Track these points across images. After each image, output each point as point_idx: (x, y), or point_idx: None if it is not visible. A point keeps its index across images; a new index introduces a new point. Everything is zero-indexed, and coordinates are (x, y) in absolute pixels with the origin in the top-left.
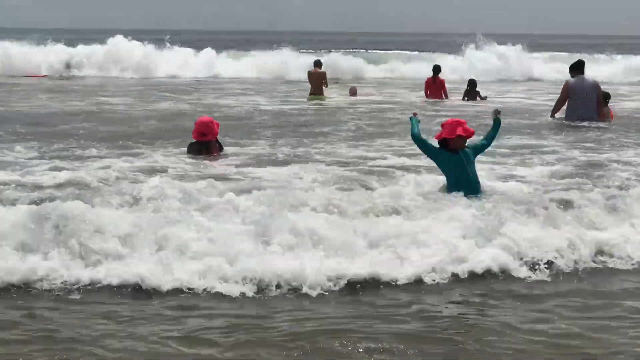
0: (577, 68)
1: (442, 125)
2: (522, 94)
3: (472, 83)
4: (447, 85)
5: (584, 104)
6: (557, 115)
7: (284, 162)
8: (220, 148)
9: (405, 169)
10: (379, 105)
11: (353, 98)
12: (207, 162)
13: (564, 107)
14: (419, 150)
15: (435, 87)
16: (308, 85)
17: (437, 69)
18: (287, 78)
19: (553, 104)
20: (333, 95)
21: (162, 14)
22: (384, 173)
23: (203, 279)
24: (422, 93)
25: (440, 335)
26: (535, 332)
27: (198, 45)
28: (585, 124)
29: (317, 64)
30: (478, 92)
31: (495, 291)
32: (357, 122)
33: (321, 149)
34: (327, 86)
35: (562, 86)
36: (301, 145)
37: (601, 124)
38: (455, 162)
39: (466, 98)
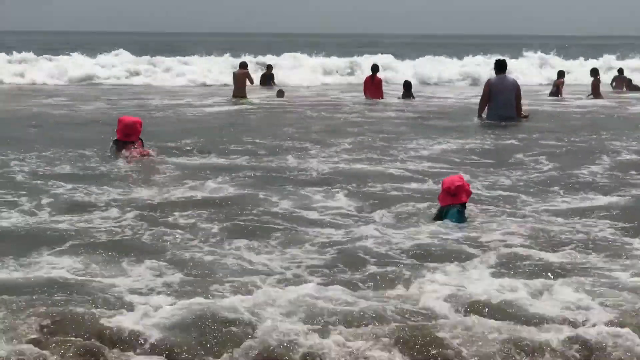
0: (499, 67)
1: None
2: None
3: (406, 85)
4: None
5: (504, 103)
6: (483, 115)
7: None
8: (142, 145)
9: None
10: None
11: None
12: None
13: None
14: None
15: (374, 85)
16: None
17: (375, 69)
18: None
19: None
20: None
21: None
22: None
23: None
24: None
25: None
26: None
27: None
28: (503, 123)
29: (242, 65)
30: (411, 94)
31: None
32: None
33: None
34: (252, 83)
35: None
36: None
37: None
38: None
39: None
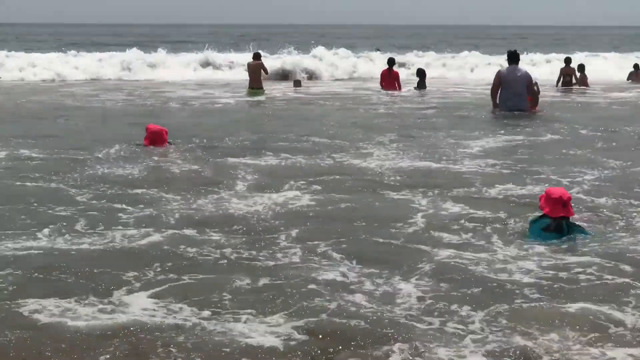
0: (511, 58)
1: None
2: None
3: (420, 73)
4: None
5: (515, 94)
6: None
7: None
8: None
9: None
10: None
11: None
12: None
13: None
14: None
15: (390, 78)
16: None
17: (391, 62)
18: None
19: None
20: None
21: None
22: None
23: None
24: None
25: None
26: None
27: None
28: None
29: (256, 56)
30: (425, 83)
31: None
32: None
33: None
34: (267, 73)
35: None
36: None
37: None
38: None
39: (417, 88)
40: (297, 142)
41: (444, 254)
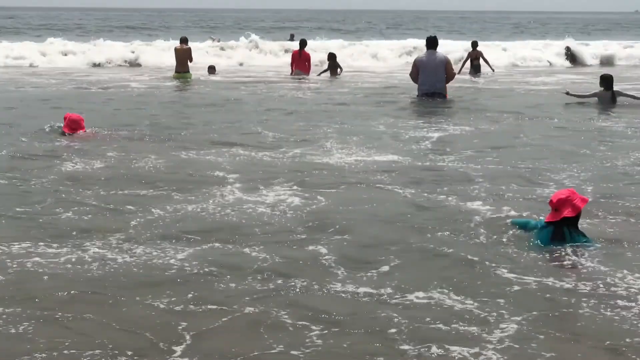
0: (429, 44)
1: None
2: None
3: (331, 56)
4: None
5: (433, 78)
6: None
7: None
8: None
9: None
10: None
11: (213, 76)
12: None
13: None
14: None
15: (300, 60)
16: None
17: (303, 43)
18: None
19: None
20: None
21: None
22: None
23: None
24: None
25: None
26: None
27: None
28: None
29: (183, 40)
30: (338, 65)
31: None
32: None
33: None
34: (191, 61)
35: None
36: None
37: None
38: None
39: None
40: (248, 133)
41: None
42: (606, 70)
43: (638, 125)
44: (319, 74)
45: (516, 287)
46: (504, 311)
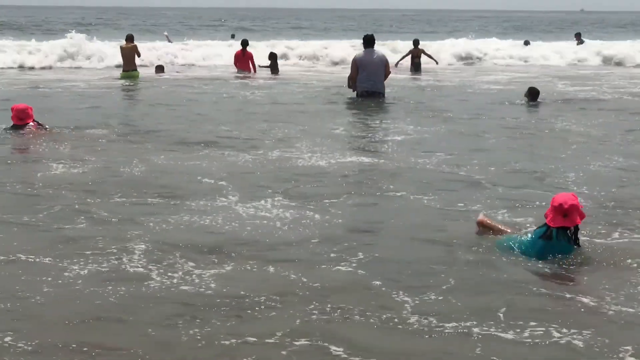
0: (368, 42)
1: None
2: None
3: (272, 57)
4: None
5: (373, 77)
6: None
7: None
8: (40, 125)
9: None
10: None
11: (159, 75)
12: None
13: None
14: None
15: (244, 59)
16: None
17: (245, 43)
18: None
19: None
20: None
21: None
22: None
23: None
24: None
25: None
26: None
27: None
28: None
29: (129, 38)
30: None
31: None
32: None
33: None
34: (140, 56)
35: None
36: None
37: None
38: None
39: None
40: (214, 134)
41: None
42: None
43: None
44: (261, 66)
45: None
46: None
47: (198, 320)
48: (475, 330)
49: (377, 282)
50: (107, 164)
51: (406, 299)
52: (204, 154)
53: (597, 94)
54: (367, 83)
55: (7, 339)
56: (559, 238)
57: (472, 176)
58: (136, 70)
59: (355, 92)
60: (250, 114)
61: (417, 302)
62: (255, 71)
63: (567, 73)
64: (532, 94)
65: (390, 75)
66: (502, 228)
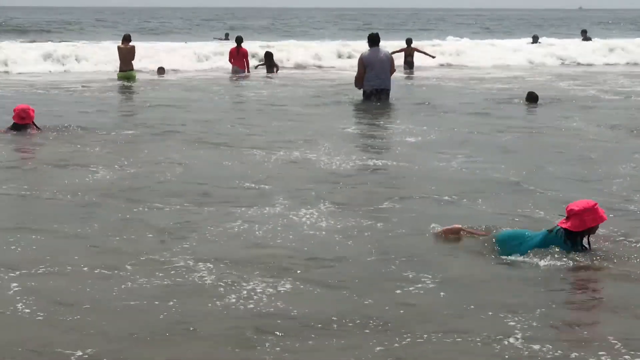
0: (373, 41)
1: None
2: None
3: (268, 56)
4: None
5: (380, 74)
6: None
7: None
8: (38, 128)
9: None
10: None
11: (160, 76)
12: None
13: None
14: None
15: (238, 57)
16: None
17: (239, 40)
18: None
19: None
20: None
21: None
22: None
23: None
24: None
25: None
26: None
27: None
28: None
29: (127, 38)
30: (275, 64)
31: None
32: None
33: None
34: (133, 59)
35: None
36: None
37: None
38: None
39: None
40: (232, 135)
41: None
42: None
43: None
44: (256, 67)
45: None
46: None
47: (268, 341)
48: None
49: (453, 302)
50: (140, 168)
51: (511, 323)
52: (231, 154)
53: (598, 93)
54: (376, 81)
55: (78, 353)
56: (558, 234)
57: (509, 178)
58: (133, 70)
59: (363, 90)
60: (260, 113)
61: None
62: (248, 70)
63: (567, 71)
64: (531, 99)
65: None
66: (482, 232)
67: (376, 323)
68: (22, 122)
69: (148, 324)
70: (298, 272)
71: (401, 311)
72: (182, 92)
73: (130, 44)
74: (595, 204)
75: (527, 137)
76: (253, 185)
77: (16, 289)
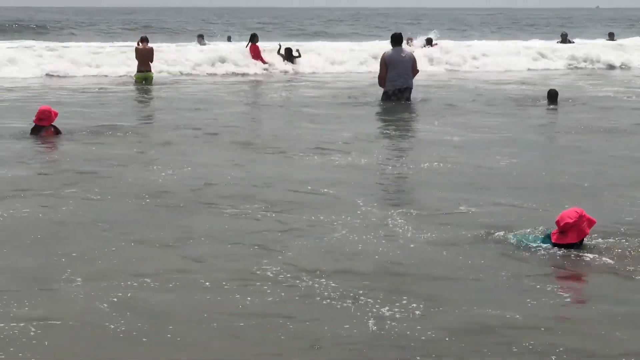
0: (396, 40)
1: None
2: None
3: (287, 51)
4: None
5: (402, 74)
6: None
7: None
8: (58, 131)
9: None
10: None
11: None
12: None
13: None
14: None
15: (257, 52)
16: None
17: (254, 37)
18: None
19: None
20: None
21: None
22: None
23: None
24: None
25: None
26: None
27: None
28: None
29: (145, 39)
30: (293, 56)
31: None
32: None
33: None
34: (152, 62)
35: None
36: None
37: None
38: None
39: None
40: (278, 137)
41: None
42: None
43: None
44: (278, 52)
45: None
46: None
47: None
48: None
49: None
50: (200, 170)
51: None
52: (284, 158)
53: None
54: (399, 81)
55: None
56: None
57: (580, 184)
58: (151, 71)
59: (384, 90)
60: (292, 115)
61: None
62: (265, 62)
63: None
64: (551, 97)
65: None
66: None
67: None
68: (41, 124)
69: (272, 342)
70: (397, 289)
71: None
72: (204, 93)
73: (149, 45)
74: (582, 210)
75: (563, 137)
76: (327, 190)
77: (111, 300)
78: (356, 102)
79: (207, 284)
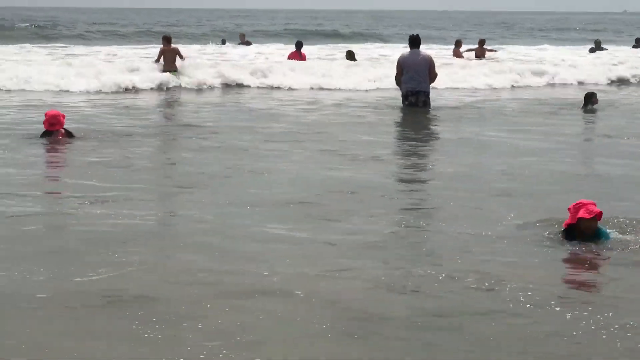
0: (412, 43)
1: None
2: None
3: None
4: None
5: (417, 76)
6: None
7: None
8: (70, 134)
9: None
10: None
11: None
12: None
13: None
14: None
15: (300, 59)
16: None
17: (299, 45)
18: None
19: None
20: None
21: None
22: None
23: None
24: None
25: None
26: None
27: None
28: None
29: (169, 40)
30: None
31: None
32: None
33: None
34: (183, 58)
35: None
36: None
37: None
38: None
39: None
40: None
41: None
42: None
43: None
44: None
45: None
46: None
47: None
48: None
49: None
50: (246, 176)
51: None
52: (351, 164)
53: None
54: (412, 83)
55: None
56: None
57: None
58: (176, 70)
59: (401, 92)
60: (329, 122)
61: None
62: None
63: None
64: (586, 97)
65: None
66: None
67: None
68: (52, 129)
69: None
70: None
71: None
72: (228, 99)
73: (172, 45)
74: (589, 201)
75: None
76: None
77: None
78: (388, 105)
79: None
